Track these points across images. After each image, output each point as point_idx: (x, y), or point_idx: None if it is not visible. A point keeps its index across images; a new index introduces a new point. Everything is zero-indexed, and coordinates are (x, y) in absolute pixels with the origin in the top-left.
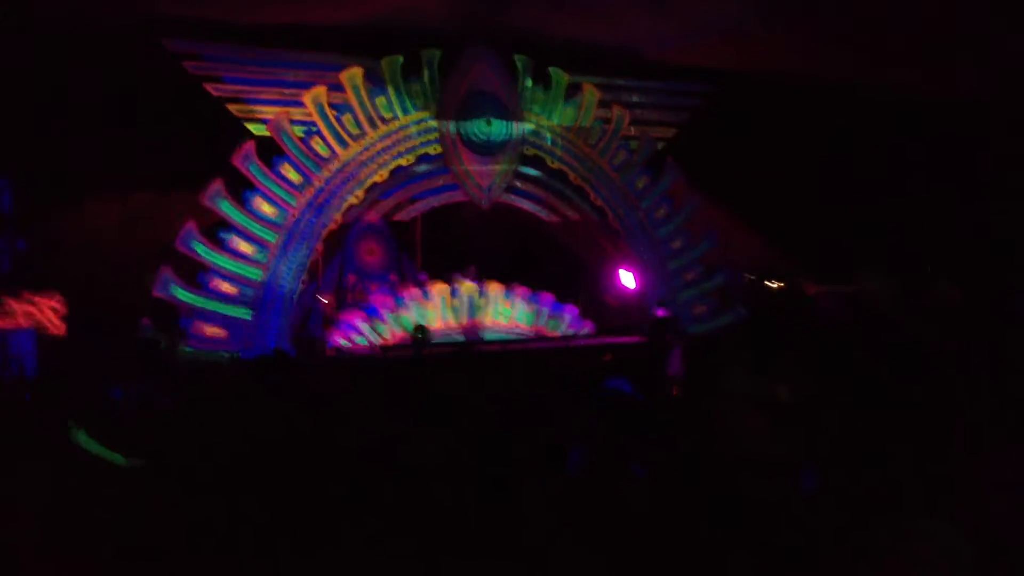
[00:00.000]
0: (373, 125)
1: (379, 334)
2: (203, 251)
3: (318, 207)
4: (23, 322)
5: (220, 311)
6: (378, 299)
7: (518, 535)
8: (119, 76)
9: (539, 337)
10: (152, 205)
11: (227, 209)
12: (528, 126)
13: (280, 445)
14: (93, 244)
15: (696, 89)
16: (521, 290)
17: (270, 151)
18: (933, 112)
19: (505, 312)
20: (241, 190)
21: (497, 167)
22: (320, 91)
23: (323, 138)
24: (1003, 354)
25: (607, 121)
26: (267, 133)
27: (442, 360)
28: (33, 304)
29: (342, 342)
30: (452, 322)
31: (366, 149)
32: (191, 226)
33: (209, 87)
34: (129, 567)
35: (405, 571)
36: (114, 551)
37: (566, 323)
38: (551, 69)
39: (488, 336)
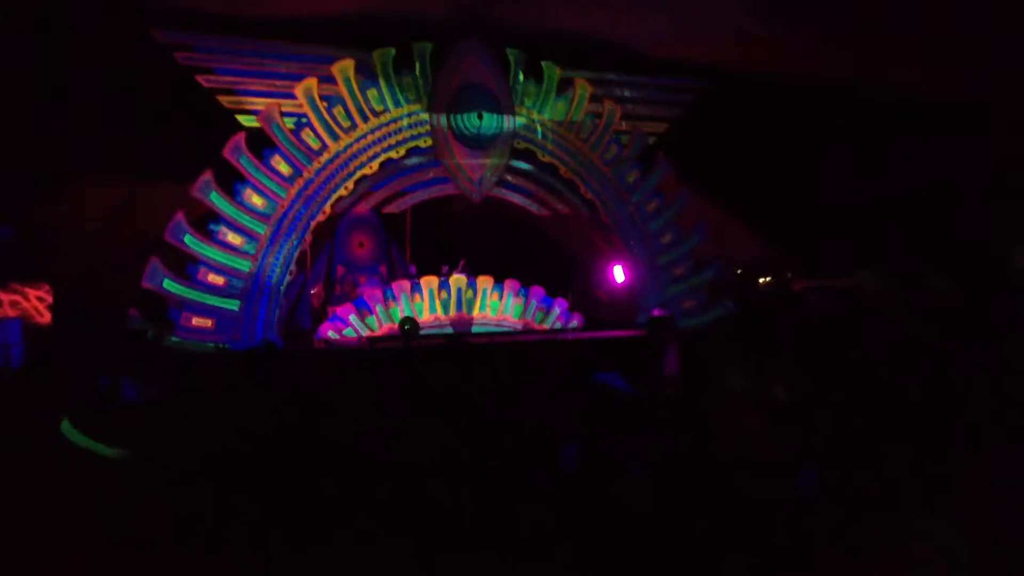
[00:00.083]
0: (364, 117)
1: (368, 326)
2: (192, 242)
3: (307, 199)
4: (10, 312)
5: (209, 302)
6: (367, 291)
7: (511, 530)
8: (109, 67)
9: (528, 330)
10: (141, 196)
11: (217, 201)
12: (519, 120)
13: (268, 436)
14: (80, 234)
15: (689, 84)
16: (511, 283)
17: (261, 143)
18: (933, 112)
19: (494, 305)
20: (231, 182)
21: (488, 161)
22: (311, 83)
23: (314, 130)
24: (1002, 354)
25: (598, 116)
26: (258, 125)
27: (431, 352)
28: (20, 294)
29: (331, 334)
30: (441, 315)
31: (357, 141)
32: (180, 217)
33: (200, 78)
34: (116, 558)
35: (397, 565)
36: (101, 541)
37: (555, 316)
38: (543, 63)
39: (477, 329)
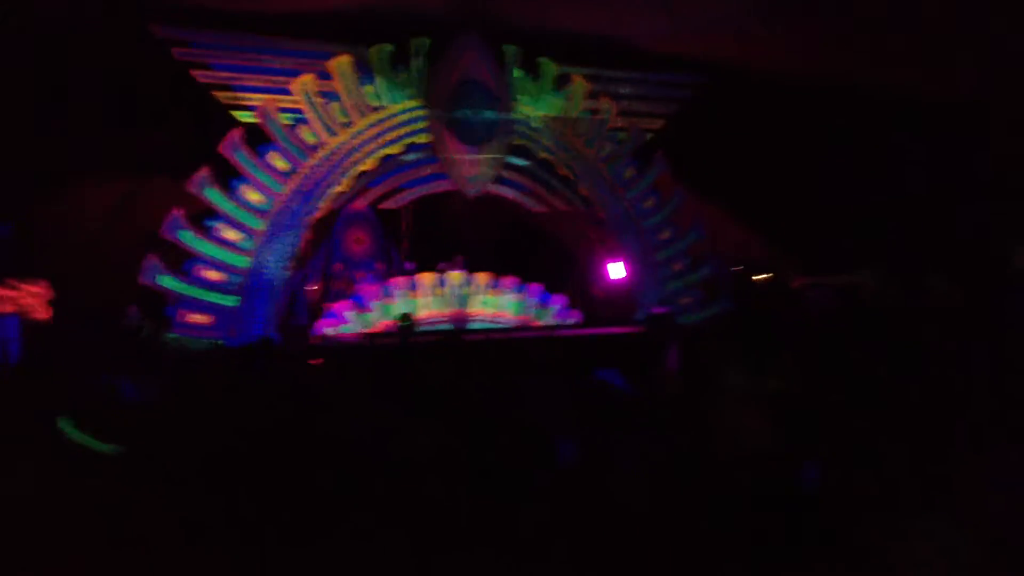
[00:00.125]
0: (361, 113)
1: (365, 323)
2: (189, 239)
3: (304, 195)
4: (8, 308)
5: (206, 298)
6: (365, 288)
7: (508, 527)
8: (106, 63)
9: (525, 326)
10: (138, 192)
11: (214, 197)
12: (516, 116)
13: (265, 433)
14: (79, 231)
15: (686, 81)
16: (508, 279)
17: (257, 139)
18: (933, 112)
19: (492, 301)
20: (227, 177)
21: (485, 156)
22: (308, 79)
23: (311, 126)
24: (1002, 354)
25: (595, 112)
26: (254, 120)
27: (428, 349)
28: (18, 290)
29: (328, 330)
30: (439, 311)
31: (354, 137)
32: (177, 213)
33: (196, 74)
34: (113, 557)
35: (395, 564)
36: (97, 540)
37: (553, 313)
38: (540, 59)
39: (474, 325)
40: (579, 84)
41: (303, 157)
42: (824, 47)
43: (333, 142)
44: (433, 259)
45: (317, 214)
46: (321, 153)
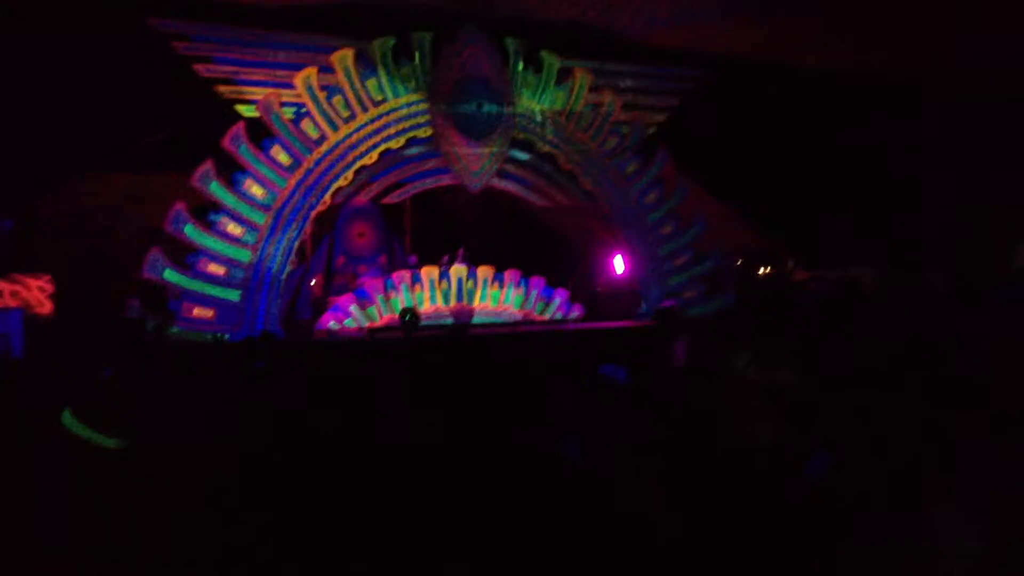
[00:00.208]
0: (363, 107)
1: (368, 316)
2: (192, 232)
3: (307, 188)
4: (11, 302)
5: (209, 292)
6: (368, 282)
7: (511, 522)
8: (108, 55)
9: (528, 320)
10: (141, 186)
11: (217, 191)
12: (519, 110)
13: (267, 428)
14: (81, 225)
15: (689, 74)
16: (511, 273)
17: (259, 133)
18: (935, 105)
19: (494, 295)
20: (230, 171)
21: (487, 150)
22: (311, 73)
23: (313, 120)
24: (1002, 353)
25: (598, 106)
26: (257, 115)
27: (431, 342)
28: (21, 284)
29: (331, 324)
30: (442, 305)
31: (356, 131)
32: (180, 207)
33: (198, 68)
34: (116, 552)
35: (394, 558)
36: (101, 535)
37: (556, 307)
38: (542, 53)
39: (477, 319)
40: (581, 77)
41: (306, 151)
42: (821, 33)
43: (335, 136)
44: (436, 253)
45: (320, 208)
46: (323, 147)
